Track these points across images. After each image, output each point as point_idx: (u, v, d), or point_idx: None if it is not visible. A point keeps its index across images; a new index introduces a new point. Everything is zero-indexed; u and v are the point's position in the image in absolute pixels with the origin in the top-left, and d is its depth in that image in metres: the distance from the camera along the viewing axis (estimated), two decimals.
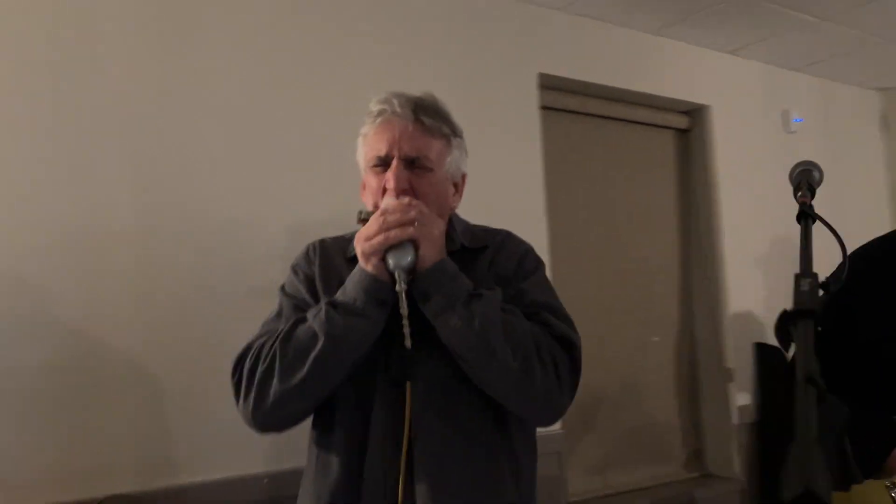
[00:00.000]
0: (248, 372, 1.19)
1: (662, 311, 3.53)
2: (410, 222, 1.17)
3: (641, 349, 3.43)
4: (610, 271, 3.32)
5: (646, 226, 3.51)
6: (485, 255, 1.33)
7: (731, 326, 3.51)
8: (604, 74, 3.21)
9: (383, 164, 1.29)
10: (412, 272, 1.18)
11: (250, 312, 1.45)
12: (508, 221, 1.54)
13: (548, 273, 1.40)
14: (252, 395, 1.18)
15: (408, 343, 1.16)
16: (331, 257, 1.35)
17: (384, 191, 1.28)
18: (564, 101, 3.18)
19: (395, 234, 1.16)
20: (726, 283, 3.52)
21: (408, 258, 1.16)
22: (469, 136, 1.43)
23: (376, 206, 1.26)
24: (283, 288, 1.36)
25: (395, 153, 1.28)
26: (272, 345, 1.19)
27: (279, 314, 1.31)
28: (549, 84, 3.04)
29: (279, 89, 2.34)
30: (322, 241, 1.41)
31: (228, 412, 1.29)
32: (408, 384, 1.18)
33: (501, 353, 1.14)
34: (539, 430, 1.36)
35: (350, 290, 1.19)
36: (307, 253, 1.39)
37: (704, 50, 3.62)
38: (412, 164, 1.28)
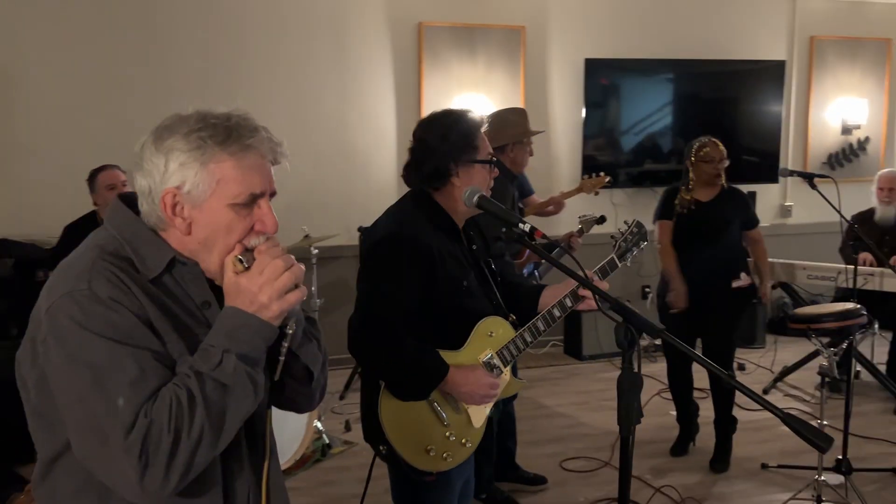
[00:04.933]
0: (170, 442, 1.09)
1: None
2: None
3: None
4: None
5: None
6: None
7: None
8: None
9: (253, 202, 1.21)
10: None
11: None
12: None
13: None
14: (178, 465, 1.11)
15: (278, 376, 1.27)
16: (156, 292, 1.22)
17: (248, 231, 1.21)
18: None
19: (303, 291, 1.20)
20: None
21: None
22: None
23: (239, 248, 1.20)
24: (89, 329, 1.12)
25: (269, 190, 1.23)
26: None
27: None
28: None
29: None
30: (108, 265, 1.17)
31: None
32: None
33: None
34: None
35: (245, 338, 1.16)
36: (108, 280, 1.15)
37: None
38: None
